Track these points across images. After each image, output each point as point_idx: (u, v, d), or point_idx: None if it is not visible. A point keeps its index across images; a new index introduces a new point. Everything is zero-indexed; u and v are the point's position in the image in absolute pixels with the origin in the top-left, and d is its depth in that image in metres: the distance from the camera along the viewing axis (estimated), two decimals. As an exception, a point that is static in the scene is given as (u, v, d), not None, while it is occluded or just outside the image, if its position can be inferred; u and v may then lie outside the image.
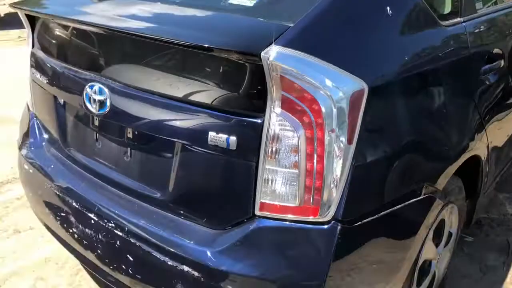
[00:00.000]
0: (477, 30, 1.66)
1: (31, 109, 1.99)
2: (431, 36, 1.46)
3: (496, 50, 1.75)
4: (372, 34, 1.30)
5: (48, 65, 1.73)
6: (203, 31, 1.27)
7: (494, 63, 1.72)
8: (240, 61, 1.17)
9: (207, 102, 1.27)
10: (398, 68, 1.33)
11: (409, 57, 1.37)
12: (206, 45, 1.16)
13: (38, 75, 1.80)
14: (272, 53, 1.10)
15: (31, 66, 1.87)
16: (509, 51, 1.84)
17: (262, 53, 1.10)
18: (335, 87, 1.15)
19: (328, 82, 1.15)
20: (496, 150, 1.96)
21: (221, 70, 1.25)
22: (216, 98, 1.26)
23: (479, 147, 1.74)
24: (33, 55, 1.86)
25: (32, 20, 1.81)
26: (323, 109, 1.14)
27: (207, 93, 1.28)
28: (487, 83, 1.71)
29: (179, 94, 1.31)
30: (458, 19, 1.59)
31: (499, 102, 1.86)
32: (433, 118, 1.47)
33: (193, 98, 1.29)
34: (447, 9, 1.60)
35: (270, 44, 1.11)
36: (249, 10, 1.32)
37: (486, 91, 1.72)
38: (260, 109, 1.19)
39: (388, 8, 1.32)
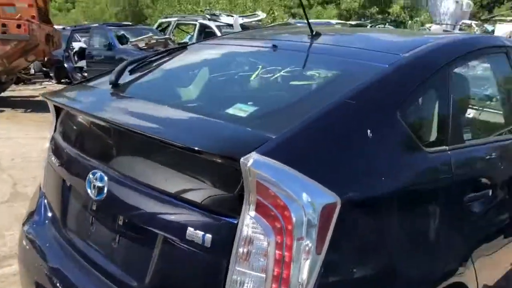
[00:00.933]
0: (462, 160, 1.74)
1: (42, 188, 2.12)
2: (412, 160, 1.55)
3: (483, 180, 1.81)
4: (351, 152, 1.40)
5: (63, 149, 1.89)
6: (195, 135, 1.40)
7: (480, 192, 1.77)
8: (224, 165, 1.28)
9: (190, 198, 1.36)
10: (375, 187, 1.40)
11: (387, 178, 1.44)
12: (195, 148, 1.28)
13: (53, 157, 1.96)
14: (251, 160, 1.20)
15: (50, 148, 2.04)
16: (499, 182, 1.89)
17: (242, 159, 1.20)
18: (308, 198, 1.23)
19: (301, 192, 1.23)
20: (487, 279, 1.93)
21: (207, 170, 1.35)
22: (199, 196, 1.35)
23: (465, 275, 1.73)
24: (53, 139, 2.04)
25: (58, 108, 2.02)
26: (293, 217, 1.21)
27: (192, 190, 1.38)
28: (474, 211, 1.74)
29: (167, 188, 1.41)
30: (444, 147, 1.68)
31: (488, 231, 1.87)
32: (408, 240, 1.50)
33: (179, 193, 1.39)
34: (433, 137, 1.70)
35: (251, 152, 1.22)
36: (241, 120, 1.46)
37: (471, 219, 1.75)
38: (237, 211, 1.26)
39: (369, 131, 1.43)
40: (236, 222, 1.26)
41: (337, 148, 1.38)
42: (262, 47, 2.15)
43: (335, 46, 2.07)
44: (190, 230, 1.31)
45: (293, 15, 24.77)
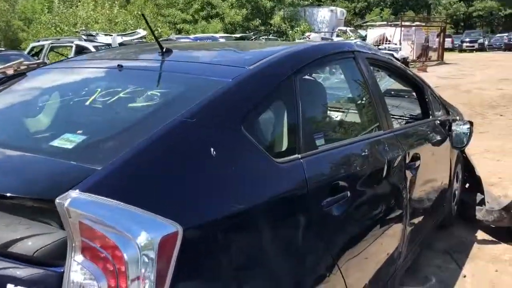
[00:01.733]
0: (316, 165, 1.74)
1: None
2: (263, 174, 1.51)
3: (341, 183, 1.83)
4: (192, 175, 1.31)
5: None
6: (9, 177, 1.22)
7: (338, 195, 1.78)
8: (42, 208, 1.12)
9: (11, 251, 1.18)
10: (224, 208, 1.33)
11: (237, 197, 1.38)
12: (5, 194, 1.11)
13: None
14: (68, 199, 1.06)
15: None
16: (356, 183, 1.94)
17: (57, 200, 1.06)
18: (141, 232, 1.11)
19: (133, 227, 1.11)
20: (357, 284, 1.96)
21: (27, 217, 1.18)
22: (20, 247, 1.17)
23: (333, 282, 1.73)
24: None
25: None
26: (126, 256, 1.09)
27: (13, 241, 1.20)
28: (334, 215, 1.75)
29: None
30: (295, 156, 1.66)
31: (351, 233, 1.90)
32: (269, 257, 1.46)
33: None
34: (283, 147, 1.69)
35: (69, 189, 1.08)
36: (65, 152, 1.31)
37: (332, 224, 1.76)
38: (62, 258, 1.11)
39: (212, 150, 1.36)
40: (62, 271, 1.10)
41: (175, 172, 1.28)
42: (107, 68, 2.01)
43: (183, 62, 1.99)
44: (10, 287, 1.13)
45: (179, 31, 24.65)
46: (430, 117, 3.16)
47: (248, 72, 1.68)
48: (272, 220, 1.50)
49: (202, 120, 1.42)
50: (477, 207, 3.74)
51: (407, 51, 21.50)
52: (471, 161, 4.04)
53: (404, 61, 18.35)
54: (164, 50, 1.95)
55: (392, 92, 3.88)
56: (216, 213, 1.31)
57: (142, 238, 1.11)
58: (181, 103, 1.54)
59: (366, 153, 2.10)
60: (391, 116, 3.40)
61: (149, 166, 1.25)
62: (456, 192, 3.83)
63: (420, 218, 2.82)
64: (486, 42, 33.93)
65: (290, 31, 25.08)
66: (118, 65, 1.90)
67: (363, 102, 2.43)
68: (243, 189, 1.42)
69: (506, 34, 33.48)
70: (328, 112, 2.25)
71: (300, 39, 21.42)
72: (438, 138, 3.11)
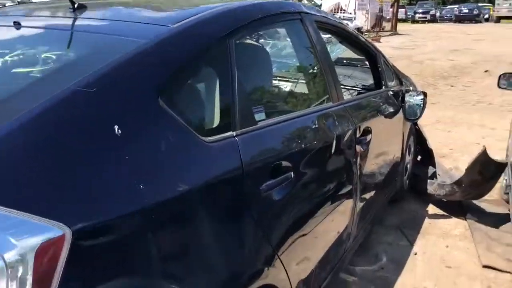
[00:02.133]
0: (254, 144, 1.50)
1: None
2: (187, 156, 1.24)
3: (284, 163, 1.60)
4: (86, 162, 1.03)
5: None
6: None
7: (280, 177, 1.56)
8: None
9: None
10: (133, 201, 1.07)
11: (150, 185, 1.12)
12: None
13: None
14: None
15: None
16: (303, 162, 1.71)
17: None
18: (8, 240, 0.84)
19: (-5, 235, 0.83)
20: (302, 275, 1.77)
21: None
22: None
23: (274, 275, 1.52)
24: None
25: None
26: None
27: None
28: (275, 200, 1.53)
29: None
30: (229, 134, 1.41)
31: (295, 219, 1.69)
32: (195, 254, 1.22)
33: None
34: (214, 123, 1.43)
35: None
36: None
37: (273, 210, 1.54)
38: None
39: (116, 128, 1.08)
40: None
41: (63, 159, 1.00)
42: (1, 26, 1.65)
43: (95, 20, 1.66)
44: None
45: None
46: (383, 87, 2.98)
47: (170, 32, 1.39)
48: (200, 210, 1.25)
49: (104, 90, 1.13)
50: (428, 181, 3.65)
51: (362, 21, 21.48)
52: (423, 133, 3.94)
53: (359, 30, 18.32)
54: (76, 6, 1.63)
55: (344, 61, 3.68)
56: (122, 208, 1.04)
57: (11, 247, 0.84)
58: (80, 68, 1.23)
59: (313, 128, 1.87)
60: (342, 87, 3.24)
61: (24, 152, 0.96)
62: (408, 166, 3.72)
63: (372, 195, 2.67)
64: (438, 14, 34.49)
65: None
66: (15, 22, 1.56)
67: (311, 71, 2.19)
68: (161, 176, 1.15)
69: (457, 6, 34.13)
70: (271, 82, 1.99)
71: None
72: (391, 110, 2.93)
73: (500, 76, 3.47)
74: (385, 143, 2.89)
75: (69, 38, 1.49)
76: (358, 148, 2.26)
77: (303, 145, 1.74)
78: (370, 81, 3.13)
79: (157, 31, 1.39)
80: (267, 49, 2.04)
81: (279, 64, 2.19)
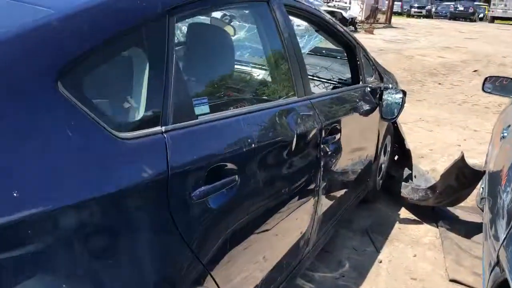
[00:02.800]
0: (188, 142, 1.28)
1: None
2: (87, 155, 1.02)
3: (228, 165, 1.39)
4: None
5: None
6: None
7: (220, 181, 1.35)
8: None
9: None
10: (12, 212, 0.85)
11: (35, 193, 0.90)
12: None
13: None
14: None
15: None
16: (250, 163, 1.51)
17: None
18: None
19: None
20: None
21: None
22: None
23: None
24: None
25: None
26: None
27: None
28: (212, 208, 1.32)
29: None
30: (157, 129, 1.19)
31: (236, 229, 1.48)
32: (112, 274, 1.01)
33: None
34: (136, 115, 1.20)
35: None
36: None
37: (209, 220, 1.33)
38: None
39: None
40: None
41: None
42: None
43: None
44: None
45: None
46: (360, 82, 2.77)
47: (91, 3, 1.16)
48: (106, 222, 1.04)
49: None
50: (403, 183, 3.47)
51: (356, 11, 21.19)
52: (402, 133, 3.75)
53: (352, 21, 18.06)
54: None
55: (324, 51, 3.46)
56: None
57: None
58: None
59: (268, 125, 1.66)
60: (317, 80, 3.03)
61: None
62: (383, 166, 3.54)
63: (337, 197, 2.48)
64: (434, 10, 34.27)
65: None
66: None
67: (273, 60, 1.96)
68: (50, 181, 0.93)
69: (453, 3, 33.93)
70: (224, 70, 1.77)
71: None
72: (367, 107, 2.73)
73: (485, 79, 3.28)
74: (357, 142, 2.70)
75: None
76: (323, 148, 2.06)
77: (254, 144, 1.52)
78: (348, 74, 2.93)
79: (77, 1, 1.16)
80: (222, 31, 1.80)
81: (235, 50, 1.97)
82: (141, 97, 1.21)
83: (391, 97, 2.86)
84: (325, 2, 20.20)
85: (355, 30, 17.11)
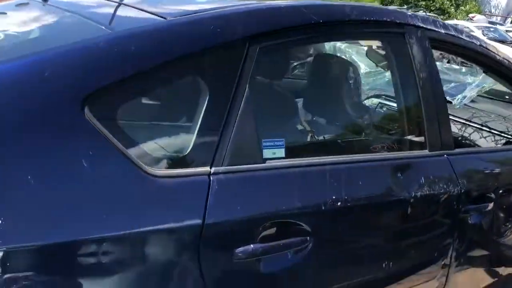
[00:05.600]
0: (239, 187, 1.10)
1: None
2: (107, 190, 0.93)
3: (298, 223, 1.16)
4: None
5: None
6: None
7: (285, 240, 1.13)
8: None
9: None
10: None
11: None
12: None
13: None
14: None
15: None
16: (330, 227, 1.24)
17: None
18: None
19: None
20: None
21: None
22: None
23: None
24: None
25: None
26: None
27: None
28: (261, 270, 1.11)
29: None
30: (203, 170, 1.05)
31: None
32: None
33: None
34: (182, 152, 1.06)
35: None
36: None
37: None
38: None
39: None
40: None
41: None
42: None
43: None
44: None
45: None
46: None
47: (161, 24, 1.08)
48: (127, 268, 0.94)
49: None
50: None
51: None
52: None
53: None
54: None
55: (507, 97, 2.84)
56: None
57: None
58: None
59: (368, 182, 1.35)
60: (487, 130, 2.49)
61: None
62: None
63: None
64: None
65: (453, 10, 22.34)
66: None
67: (400, 101, 1.62)
68: (61, 214, 0.88)
69: None
70: (320, 108, 1.50)
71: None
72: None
73: None
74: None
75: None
76: (463, 218, 1.63)
77: (340, 203, 1.25)
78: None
79: (144, 22, 1.10)
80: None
81: (347, 85, 1.67)
82: (192, 130, 1.08)
83: None
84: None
85: None
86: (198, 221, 1.01)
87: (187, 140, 1.07)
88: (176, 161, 1.05)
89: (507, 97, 2.81)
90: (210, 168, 1.06)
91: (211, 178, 1.05)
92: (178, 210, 1.00)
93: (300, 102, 1.50)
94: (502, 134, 2.37)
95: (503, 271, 2.03)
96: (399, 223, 1.42)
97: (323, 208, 1.21)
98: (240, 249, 1.07)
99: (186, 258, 1.02)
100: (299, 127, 1.47)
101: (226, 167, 1.08)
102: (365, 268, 1.37)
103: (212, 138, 1.08)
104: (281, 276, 1.16)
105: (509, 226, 1.90)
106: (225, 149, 1.08)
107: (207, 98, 1.09)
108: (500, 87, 2.70)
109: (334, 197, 1.24)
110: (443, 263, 1.61)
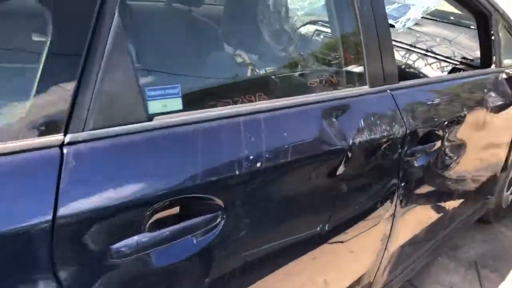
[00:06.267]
0: (106, 157, 0.78)
1: None
2: None
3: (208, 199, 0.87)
4: None
5: None
6: None
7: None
8: None
9: None
10: None
11: None
12: None
13: None
14: None
15: None
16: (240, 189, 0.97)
17: None
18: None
19: None
20: None
21: None
22: None
23: None
24: None
25: None
26: None
27: None
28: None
29: None
30: (54, 138, 0.72)
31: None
32: None
33: None
34: (23, 114, 0.73)
35: None
36: None
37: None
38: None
39: None
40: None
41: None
42: None
43: None
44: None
45: None
46: (492, 66, 1.97)
47: None
48: None
49: None
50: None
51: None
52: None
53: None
54: None
55: (452, 18, 2.62)
56: None
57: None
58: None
59: (291, 130, 1.07)
60: (432, 56, 2.27)
61: None
62: (516, 178, 2.66)
63: (433, 223, 1.80)
64: None
65: None
66: None
67: (335, 27, 1.32)
68: None
69: None
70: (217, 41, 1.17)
71: None
72: (497, 102, 1.93)
73: None
74: (473, 150, 1.93)
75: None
76: (407, 162, 1.41)
77: (259, 164, 0.97)
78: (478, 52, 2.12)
79: None
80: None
81: (273, 9, 1.32)
82: (31, 83, 0.73)
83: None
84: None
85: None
86: (47, 216, 0.69)
87: (24, 98, 0.72)
88: (9, 130, 0.70)
89: (452, 18, 2.58)
90: (64, 135, 0.73)
91: (65, 150, 0.72)
92: (16, 201, 0.68)
93: (208, 32, 1.16)
94: (448, 60, 2.15)
95: (450, 204, 1.90)
96: (336, 177, 1.17)
97: (237, 172, 0.92)
98: (118, 244, 0.78)
99: (36, 268, 0.71)
100: (205, 67, 1.13)
101: (89, 132, 0.75)
102: (304, 225, 1.13)
103: (63, 91, 0.74)
104: (185, 269, 0.88)
105: (455, 158, 1.73)
106: (86, 106, 0.75)
107: (51, 29, 0.73)
108: (445, 7, 2.46)
109: (251, 157, 0.95)
110: (388, 210, 1.41)
